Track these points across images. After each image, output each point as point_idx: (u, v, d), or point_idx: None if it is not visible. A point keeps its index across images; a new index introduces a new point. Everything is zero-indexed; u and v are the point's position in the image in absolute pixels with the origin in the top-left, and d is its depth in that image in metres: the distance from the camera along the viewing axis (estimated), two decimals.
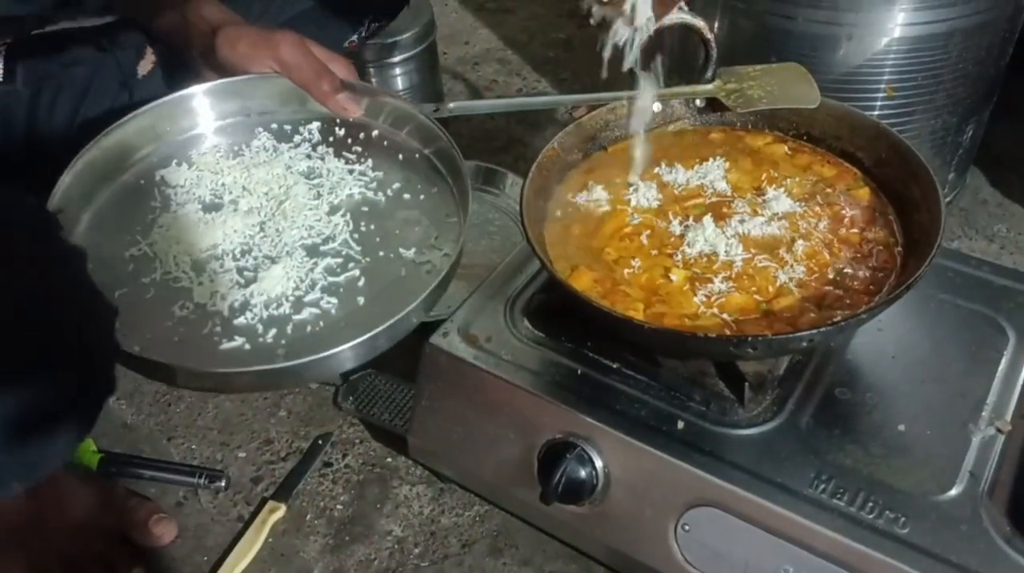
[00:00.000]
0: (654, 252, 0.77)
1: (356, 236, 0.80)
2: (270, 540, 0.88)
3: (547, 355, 0.81)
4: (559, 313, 0.82)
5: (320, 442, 0.97)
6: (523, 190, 0.79)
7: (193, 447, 0.99)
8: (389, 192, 0.84)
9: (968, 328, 0.82)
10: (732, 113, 0.89)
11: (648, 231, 0.79)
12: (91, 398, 0.75)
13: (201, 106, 0.90)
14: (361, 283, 0.76)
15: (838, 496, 0.68)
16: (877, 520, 0.66)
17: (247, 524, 0.90)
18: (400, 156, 0.88)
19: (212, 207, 0.82)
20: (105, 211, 0.80)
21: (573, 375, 0.79)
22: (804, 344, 0.69)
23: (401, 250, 0.79)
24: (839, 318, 0.68)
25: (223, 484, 0.93)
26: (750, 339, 0.66)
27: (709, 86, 0.88)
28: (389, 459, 0.96)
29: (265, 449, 0.98)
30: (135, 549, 0.88)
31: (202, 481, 0.93)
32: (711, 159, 0.85)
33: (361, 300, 0.75)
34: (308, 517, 0.91)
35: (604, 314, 0.70)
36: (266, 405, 1.03)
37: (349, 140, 0.90)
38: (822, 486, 0.69)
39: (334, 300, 0.75)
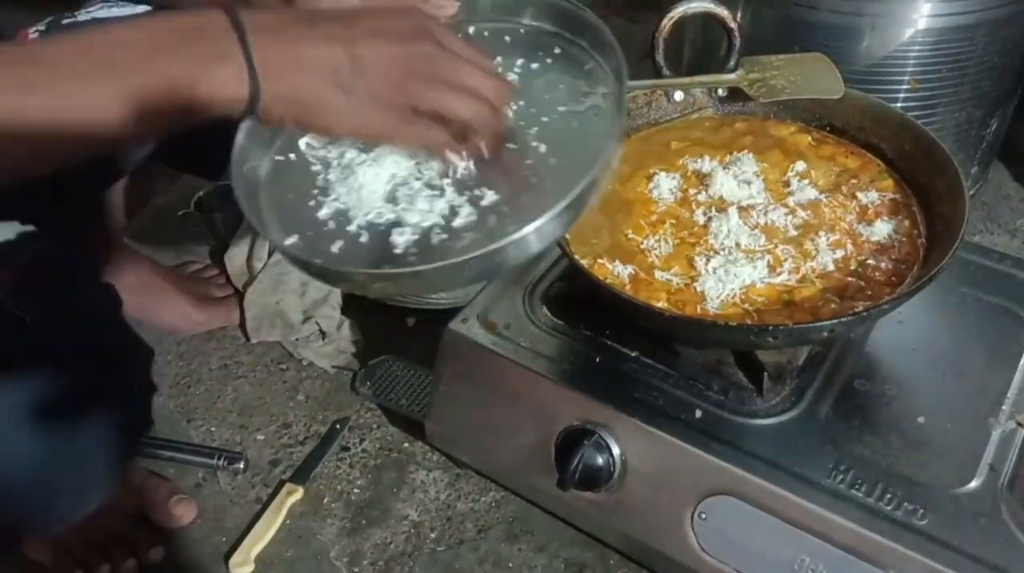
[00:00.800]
0: (677, 241, 0.77)
1: (513, 118, 0.78)
2: (288, 522, 0.89)
3: (565, 343, 0.81)
4: (578, 301, 0.82)
5: (338, 426, 0.98)
6: None
7: (212, 429, 0.99)
8: (516, 71, 0.78)
9: (989, 322, 0.82)
10: (754, 103, 0.89)
11: (672, 220, 0.79)
12: (134, 431, 0.77)
13: None
14: (543, 149, 0.71)
15: (856, 487, 0.68)
16: (895, 512, 0.66)
17: (265, 506, 0.90)
18: (507, 38, 0.82)
19: (367, 148, 0.80)
20: (270, 191, 0.79)
21: (591, 363, 0.79)
22: (825, 334, 0.68)
23: (560, 108, 0.74)
24: (861, 308, 0.68)
25: (242, 466, 0.94)
26: (771, 328, 0.66)
27: (732, 75, 0.88)
28: (406, 444, 0.96)
29: (283, 432, 0.99)
30: (154, 529, 0.89)
31: (221, 463, 0.94)
32: (739, 152, 0.85)
33: (553, 161, 0.70)
34: (325, 500, 0.91)
35: (625, 301, 0.70)
36: (285, 389, 1.03)
37: None
38: (840, 477, 0.69)
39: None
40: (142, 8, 0.92)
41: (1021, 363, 0.78)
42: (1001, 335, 0.80)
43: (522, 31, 0.83)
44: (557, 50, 0.80)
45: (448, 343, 0.84)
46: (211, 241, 1.24)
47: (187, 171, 1.18)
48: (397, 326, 1.10)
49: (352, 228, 0.72)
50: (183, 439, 0.98)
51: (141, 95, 0.55)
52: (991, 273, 0.86)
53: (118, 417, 0.72)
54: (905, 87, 1.04)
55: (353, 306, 1.12)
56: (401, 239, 0.70)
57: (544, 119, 0.75)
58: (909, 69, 1.03)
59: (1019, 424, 0.72)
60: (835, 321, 0.66)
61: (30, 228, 0.71)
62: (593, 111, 0.74)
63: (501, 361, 0.81)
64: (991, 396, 0.75)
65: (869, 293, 0.72)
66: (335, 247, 0.69)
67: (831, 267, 0.74)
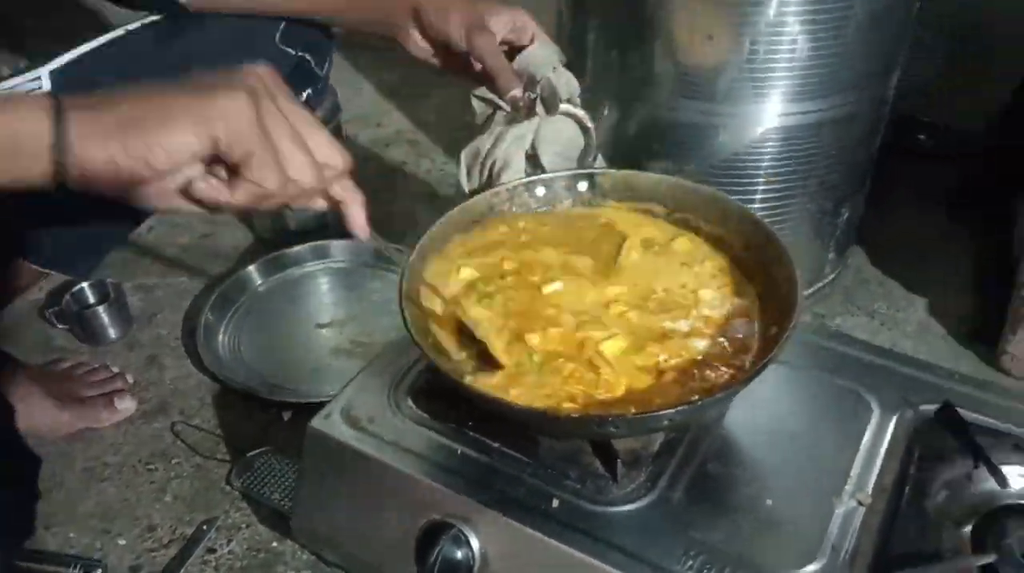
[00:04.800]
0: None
1: None
2: None
3: (429, 435, 0.81)
4: (442, 393, 0.83)
5: (204, 528, 0.95)
6: (402, 274, 0.80)
7: (71, 536, 0.95)
8: None
9: (837, 402, 0.85)
10: (609, 196, 0.92)
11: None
12: (16, 539, 0.74)
13: None
14: None
15: None
16: None
17: None
18: None
19: None
20: None
21: (453, 455, 0.79)
22: (665, 422, 0.70)
23: None
24: (696, 398, 0.70)
25: None
26: (611, 418, 0.68)
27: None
28: (275, 543, 0.94)
29: (147, 536, 0.95)
30: None
31: (77, 572, 0.90)
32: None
33: None
34: None
35: (471, 393, 0.71)
36: (151, 490, 1.00)
37: None
38: (690, 563, 0.70)
39: None
40: None
41: (864, 442, 0.80)
42: (847, 415, 0.83)
43: None
44: None
45: (311, 440, 0.83)
46: (84, 338, 1.22)
47: (54, 269, 1.16)
48: (274, 420, 1.09)
49: None
50: (39, 547, 0.93)
51: None
52: (841, 356, 0.90)
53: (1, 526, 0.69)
54: (762, 181, 1.10)
55: (228, 400, 1.10)
56: None
57: None
58: (764, 164, 1.09)
59: (859, 502, 0.75)
60: (671, 411, 0.68)
61: None
62: None
63: (363, 458, 0.80)
64: (836, 476, 0.77)
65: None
66: None
67: (680, 357, 0.76)
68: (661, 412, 0.69)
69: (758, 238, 0.84)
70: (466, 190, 0.96)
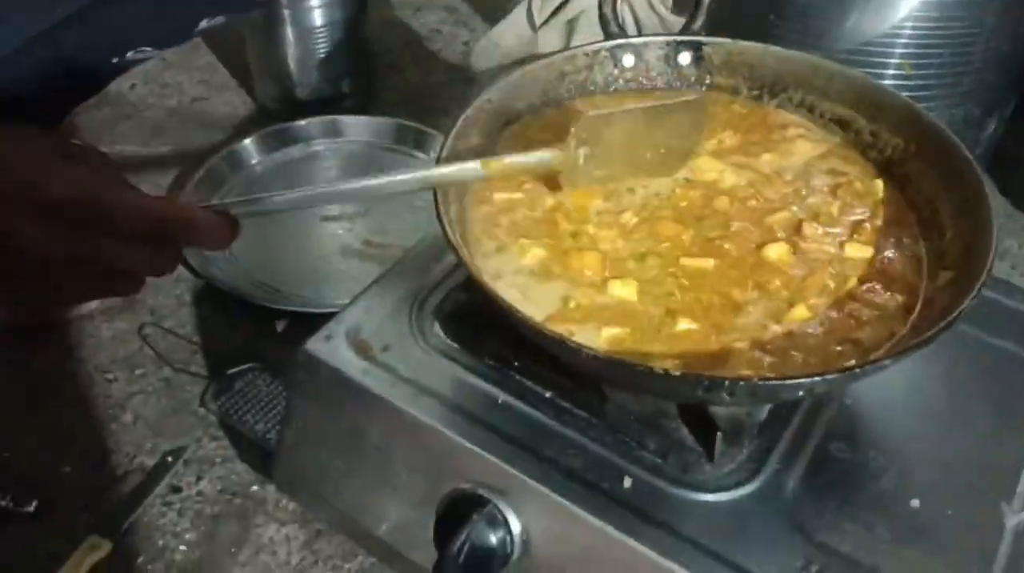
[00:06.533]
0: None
1: None
2: None
3: (460, 375, 0.62)
4: (481, 319, 0.63)
5: (169, 459, 0.77)
6: (441, 152, 0.60)
7: (6, 455, 0.77)
8: None
9: (998, 372, 0.65)
10: (722, 79, 0.70)
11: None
12: None
13: None
14: None
15: None
16: None
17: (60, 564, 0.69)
18: None
19: None
20: None
21: (492, 405, 0.60)
22: (800, 393, 0.50)
23: None
24: (852, 363, 0.50)
25: (32, 508, 0.72)
26: (727, 383, 0.47)
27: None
28: (255, 487, 0.75)
29: (98, 465, 0.77)
30: None
31: (7, 504, 0.72)
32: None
33: None
34: (140, 560, 0.70)
35: (532, 330, 0.50)
36: (108, 405, 0.81)
37: None
38: None
39: None
40: None
41: None
42: (1011, 389, 0.64)
43: None
44: None
45: (303, 367, 0.63)
46: None
47: None
48: (265, 329, 0.89)
49: None
50: None
51: None
52: (999, 309, 0.69)
53: None
54: (894, 72, 0.86)
55: (210, 300, 0.91)
56: None
57: None
58: (899, 51, 0.86)
59: None
60: (816, 379, 0.48)
61: None
62: None
63: (371, 397, 0.61)
64: (1003, 471, 0.58)
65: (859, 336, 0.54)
66: None
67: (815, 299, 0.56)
68: (797, 380, 0.48)
69: (928, 144, 0.63)
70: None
